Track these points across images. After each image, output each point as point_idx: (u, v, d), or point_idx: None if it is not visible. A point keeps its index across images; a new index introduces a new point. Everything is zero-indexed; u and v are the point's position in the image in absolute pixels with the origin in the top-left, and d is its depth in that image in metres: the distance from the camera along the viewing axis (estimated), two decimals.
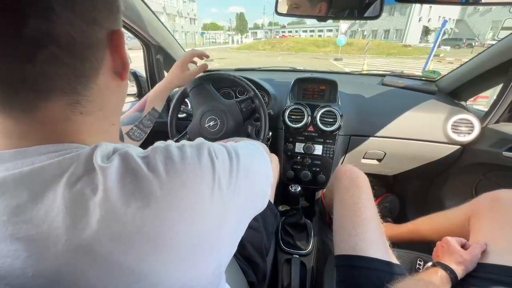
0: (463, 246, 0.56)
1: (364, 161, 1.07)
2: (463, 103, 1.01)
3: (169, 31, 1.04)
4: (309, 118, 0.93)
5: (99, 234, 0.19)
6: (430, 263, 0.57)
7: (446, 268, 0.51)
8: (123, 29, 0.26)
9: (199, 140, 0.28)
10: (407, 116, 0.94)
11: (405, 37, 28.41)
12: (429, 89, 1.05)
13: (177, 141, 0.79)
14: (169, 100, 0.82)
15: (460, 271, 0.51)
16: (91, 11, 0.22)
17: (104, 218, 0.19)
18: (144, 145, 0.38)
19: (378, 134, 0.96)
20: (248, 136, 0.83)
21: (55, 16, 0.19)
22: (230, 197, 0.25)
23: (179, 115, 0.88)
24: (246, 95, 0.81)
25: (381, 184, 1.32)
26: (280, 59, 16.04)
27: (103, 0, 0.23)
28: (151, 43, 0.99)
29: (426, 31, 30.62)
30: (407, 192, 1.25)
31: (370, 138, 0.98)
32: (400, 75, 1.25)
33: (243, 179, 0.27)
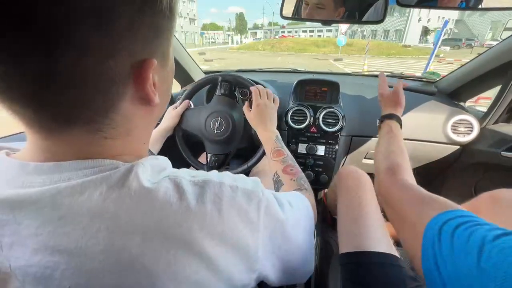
0: None
1: (365, 161, 1.10)
2: (462, 104, 1.04)
3: (182, 45, 1.08)
4: (312, 119, 0.95)
5: (141, 254, 0.20)
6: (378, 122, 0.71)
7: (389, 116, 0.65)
8: None
9: (254, 184, 0.28)
10: (408, 116, 0.96)
11: (405, 38, 28.59)
12: (429, 90, 1.08)
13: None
14: (171, 102, 0.84)
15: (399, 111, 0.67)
16: (104, 45, 0.19)
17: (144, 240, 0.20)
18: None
19: (377, 134, 1.00)
20: (252, 137, 0.85)
21: (57, 53, 0.18)
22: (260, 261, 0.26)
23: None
24: (249, 95, 0.83)
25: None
26: (280, 59, 16.16)
27: (126, 29, 0.20)
28: None
29: (425, 31, 30.82)
30: None
31: (372, 138, 1.00)
32: (400, 76, 1.29)
33: (282, 250, 0.29)
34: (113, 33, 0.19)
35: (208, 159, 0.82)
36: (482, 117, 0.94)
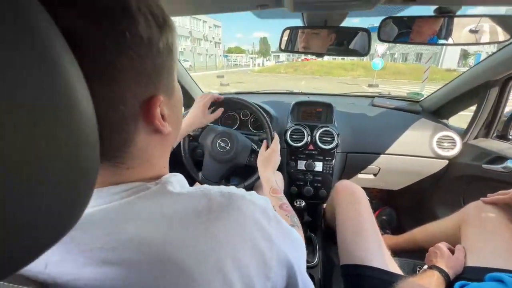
0: (450, 251, 0.69)
1: (361, 176, 1.23)
2: (445, 121, 1.21)
3: (185, 69, 1.28)
4: (309, 137, 1.11)
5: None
6: (426, 266, 0.70)
7: (441, 271, 0.63)
8: None
9: (266, 201, 0.33)
10: (397, 134, 1.13)
11: (441, 61, 28.10)
12: (414, 109, 1.26)
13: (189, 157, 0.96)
14: None
15: (451, 273, 0.63)
16: (113, 94, 0.23)
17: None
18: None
19: (372, 150, 1.15)
20: (255, 150, 0.94)
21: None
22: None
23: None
24: (250, 116, 1.01)
25: (379, 198, 1.47)
26: (304, 84, 15.64)
27: (130, 73, 0.23)
28: None
29: (464, 55, 30.13)
30: (402, 205, 1.41)
31: (365, 154, 1.16)
32: (388, 97, 1.49)
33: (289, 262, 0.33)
34: (120, 84, 0.23)
35: (205, 173, 0.93)
36: (463, 133, 1.09)
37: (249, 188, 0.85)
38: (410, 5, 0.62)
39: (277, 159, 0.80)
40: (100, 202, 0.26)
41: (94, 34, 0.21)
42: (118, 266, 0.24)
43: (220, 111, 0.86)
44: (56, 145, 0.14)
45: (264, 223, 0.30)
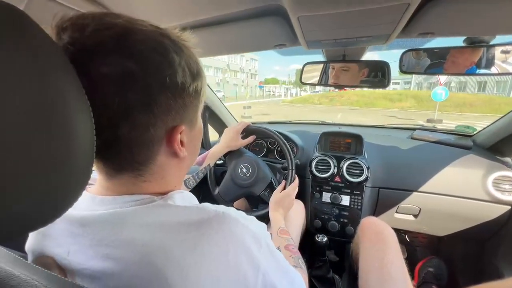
0: None
1: (398, 215, 1.12)
2: (507, 159, 1.03)
3: (218, 98, 1.41)
4: (336, 168, 1.09)
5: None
6: None
7: None
8: None
9: (261, 229, 0.36)
10: (442, 171, 1.02)
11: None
12: (464, 144, 1.12)
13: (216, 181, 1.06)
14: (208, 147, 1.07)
15: None
16: (148, 120, 0.29)
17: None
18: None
19: (409, 187, 1.05)
20: (273, 185, 0.97)
21: (119, 127, 0.28)
22: None
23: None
24: (277, 145, 1.06)
25: (424, 244, 1.27)
26: (341, 117, 13.94)
27: (164, 107, 0.30)
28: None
29: None
30: (455, 256, 1.20)
31: (401, 191, 1.06)
32: (431, 130, 1.37)
33: None
34: (155, 114, 0.30)
35: (221, 190, 0.99)
36: None
37: (260, 217, 0.87)
38: (427, 37, 0.63)
39: (289, 204, 0.82)
40: (113, 207, 0.32)
41: (144, 76, 0.28)
42: (116, 262, 0.28)
43: (252, 137, 0.99)
44: (47, 151, 0.20)
45: (253, 249, 0.31)
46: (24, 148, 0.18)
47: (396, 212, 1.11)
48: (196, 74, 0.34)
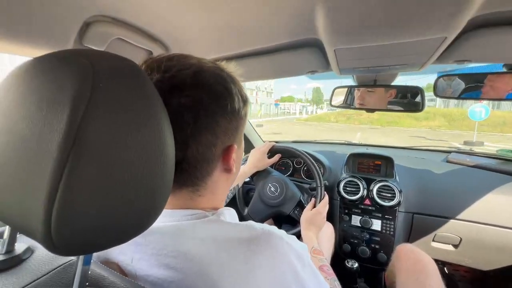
0: None
1: (435, 244, 1.06)
2: None
3: (249, 122, 1.50)
4: (365, 191, 1.07)
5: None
6: None
7: None
8: None
9: (303, 247, 0.39)
10: (484, 198, 0.96)
11: None
12: (507, 170, 1.07)
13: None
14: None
15: None
16: (212, 140, 0.35)
17: None
18: None
19: (447, 215, 1.00)
20: (302, 204, 0.99)
21: (189, 146, 0.33)
22: None
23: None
24: (303, 164, 1.08)
25: (467, 279, 1.16)
26: (360, 137, 12.93)
27: (223, 129, 0.36)
28: None
29: None
30: None
31: (439, 218, 1.01)
32: (469, 153, 1.30)
33: None
34: (217, 135, 0.35)
35: (250, 210, 1.02)
36: None
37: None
38: (463, 64, 0.65)
39: (321, 222, 0.83)
40: (172, 220, 0.36)
41: (211, 103, 0.34)
42: (176, 272, 0.31)
43: (277, 156, 1.03)
44: (149, 173, 0.24)
45: (298, 268, 0.34)
46: (141, 179, 0.23)
47: (433, 240, 1.05)
48: (245, 100, 0.40)
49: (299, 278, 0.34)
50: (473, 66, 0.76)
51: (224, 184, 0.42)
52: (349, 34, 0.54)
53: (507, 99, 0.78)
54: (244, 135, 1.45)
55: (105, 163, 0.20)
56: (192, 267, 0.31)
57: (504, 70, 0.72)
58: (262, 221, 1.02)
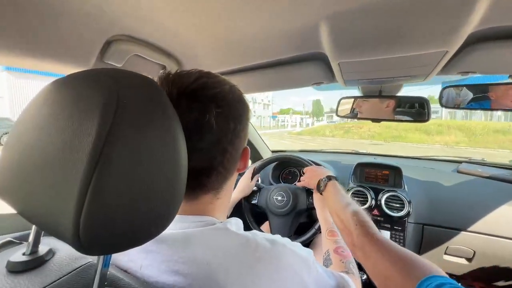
0: None
1: (447, 257, 1.06)
2: None
3: (255, 129, 1.56)
4: (373, 201, 1.08)
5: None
6: None
7: None
8: None
9: (308, 253, 0.42)
10: (498, 210, 0.97)
11: None
12: None
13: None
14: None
15: None
16: (241, 144, 0.42)
17: None
18: None
19: (459, 226, 1.00)
20: (310, 194, 1.01)
21: (227, 151, 0.40)
22: None
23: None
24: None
25: None
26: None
27: (245, 133, 0.44)
28: None
29: None
30: None
31: (450, 230, 1.01)
32: (480, 163, 1.31)
33: None
34: (238, 140, 0.42)
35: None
36: None
37: (305, 244, 0.89)
38: (468, 76, 0.70)
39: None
40: (183, 226, 0.39)
41: (232, 115, 0.40)
42: (184, 278, 0.33)
43: (256, 177, 1.11)
44: (165, 180, 0.27)
45: (303, 273, 0.38)
46: (158, 188, 0.26)
47: (446, 253, 1.05)
48: (249, 109, 0.46)
49: (305, 284, 0.37)
50: (478, 76, 0.78)
51: (232, 185, 0.48)
52: (352, 48, 0.59)
53: None
54: (250, 141, 1.49)
55: (128, 172, 0.23)
56: (200, 272, 0.34)
57: (510, 81, 0.74)
58: (289, 235, 1.00)
